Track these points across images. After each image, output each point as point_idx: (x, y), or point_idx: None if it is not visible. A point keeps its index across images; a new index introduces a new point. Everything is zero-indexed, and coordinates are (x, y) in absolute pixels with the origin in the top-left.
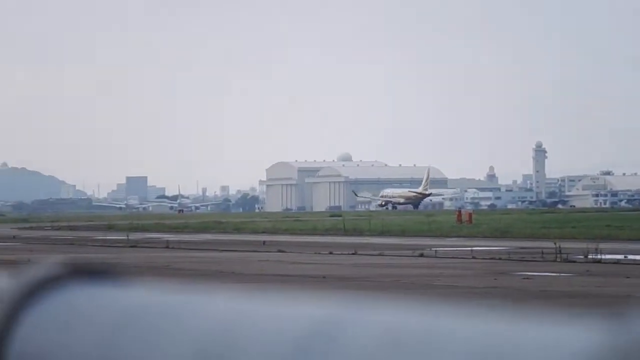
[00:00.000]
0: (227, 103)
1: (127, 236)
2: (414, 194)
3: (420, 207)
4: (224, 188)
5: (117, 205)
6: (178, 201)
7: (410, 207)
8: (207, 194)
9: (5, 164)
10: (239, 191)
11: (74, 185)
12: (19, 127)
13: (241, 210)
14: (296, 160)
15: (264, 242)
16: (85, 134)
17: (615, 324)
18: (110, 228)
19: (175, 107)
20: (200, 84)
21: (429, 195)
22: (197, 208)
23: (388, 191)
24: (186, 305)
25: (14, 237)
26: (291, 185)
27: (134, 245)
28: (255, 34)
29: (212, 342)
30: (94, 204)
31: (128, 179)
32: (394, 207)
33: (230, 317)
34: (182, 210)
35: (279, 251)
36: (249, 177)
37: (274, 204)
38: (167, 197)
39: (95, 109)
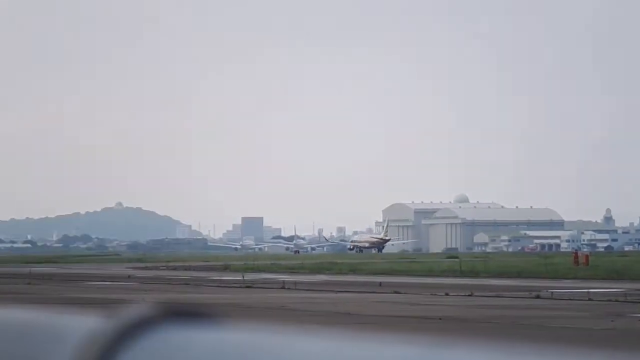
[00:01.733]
0: (344, 145)
1: (243, 277)
2: (376, 239)
3: (537, 249)
4: (340, 229)
5: (233, 246)
6: (294, 242)
7: (375, 249)
8: (323, 234)
9: (120, 204)
10: (355, 232)
11: (190, 226)
12: (133, 167)
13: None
14: (412, 202)
15: (380, 284)
16: (200, 175)
17: None
18: (225, 268)
19: (291, 148)
20: (314, 125)
21: (388, 240)
22: (313, 249)
23: (356, 237)
24: (282, 348)
25: (129, 276)
26: (407, 226)
27: (249, 285)
28: (372, 78)
29: None
30: (209, 244)
31: (244, 219)
32: (360, 251)
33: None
34: (298, 251)
35: (395, 292)
36: (366, 218)
37: (390, 246)
38: (283, 238)
39: (207, 150)
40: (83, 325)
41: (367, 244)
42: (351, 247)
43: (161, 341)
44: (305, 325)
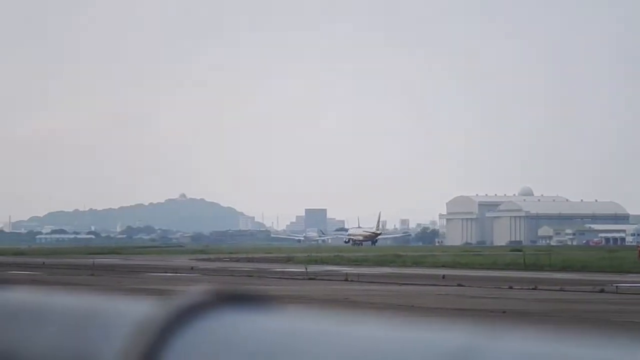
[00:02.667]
0: (408, 137)
1: (306, 269)
2: (369, 233)
3: (602, 242)
4: (404, 221)
5: (296, 238)
6: None
7: (369, 242)
8: (386, 227)
9: (184, 195)
10: (418, 225)
11: (253, 217)
12: (197, 157)
13: (421, 243)
14: (477, 195)
15: (444, 276)
16: (263, 166)
17: None
18: (288, 260)
19: (356, 140)
20: (378, 117)
21: (380, 234)
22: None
23: (352, 231)
24: (330, 332)
25: (192, 268)
26: (471, 219)
27: (312, 277)
28: (435, 71)
29: None
30: (272, 236)
31: (307, 211)
32: (355, 243)
33: (374, 344)
34: (362, 243)
35: (459, 285)
36: (429, 210)
37: (453, 238)
38: (347, 230)
39: (271, 141)
40: (139, 309)
41: (361, 237)
42: (347, 240)
43: (214, 325)
44: (357, 313)
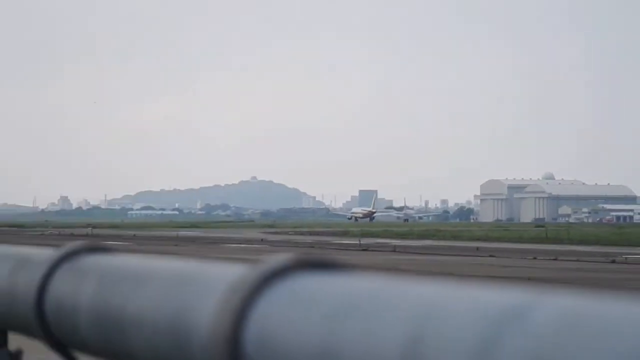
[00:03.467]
0: (447, 127)
1: (359, 241)
2: (367, 211)
3: (613, 220)
4: (444, 201)
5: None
6: (404, 212)
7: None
8: (429, 206)
9: (255, 177)
10: (456, 204)
11: (314, 197)
12: (266, 144)
13: (458, 220)
14: (506, 178)
15: (477, 248)
16: (324, 151)
17: None
18: (344, 234)
19: (403, 130)
20: (422, 107)
21: (375, 212)
22: (420, 218)
23: (354, 209)
24: (396, 292)
25: (261, 240)
26: (501, 200)
27: (365, 249)
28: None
29: (418, 325)
30: (330, 212)
31: (360, 192)
32: (356, 220)
33: (433, 301)
34: (407, 220)
35: (491, 256)
36: (466, 192)
37: (486, 216)
38: (394, 208)
39: (330, 129)
40: (230, 272)
41: (361, 215)
42: (350, 216)
43: (297, 286)
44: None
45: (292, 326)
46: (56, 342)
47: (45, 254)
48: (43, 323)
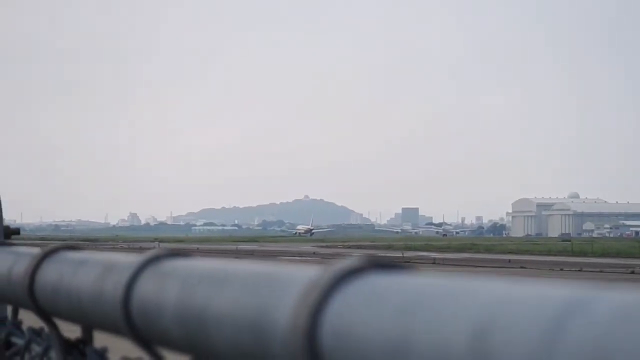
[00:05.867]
0: (482, 146)
1: (402, 254)
2: (307, 228)
3: (632, 235)
4: (479, 218)
5: (394, 230)
6: (442, 227)
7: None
8: (465, 222)
9: (307, 196)
10: (490, 220)
11: (361, 214)
12: (317, 166)
13: (492, 235)
14: (535, 197)
15: (509, 261)
16: (371, 171)
17: None
18: (389, 247)
19: (441, 151)
20: (470, 133)
21: (312, 229)
22: (457, 233)
23: (299, 226)
24: (461, 288)
25: (314, 253)
26: (531, 216)
27: (407, 261)
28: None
29: (484, 318)
30: (376, 228)
31: (403, 209)
32: (300, 235)
33: (498, 295)
34: (446, 234)
35: (521, 267)
36: (499, 209)
37: (517, 231)
38: (434, 224)
39: (376, 152)
40: (305, 273)
41: (303, 231)
42: (295, 232)
43: (369, 284)
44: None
45: (365, 320)
46: (142, 339)
47: (130, 260)
48: (130, 322)
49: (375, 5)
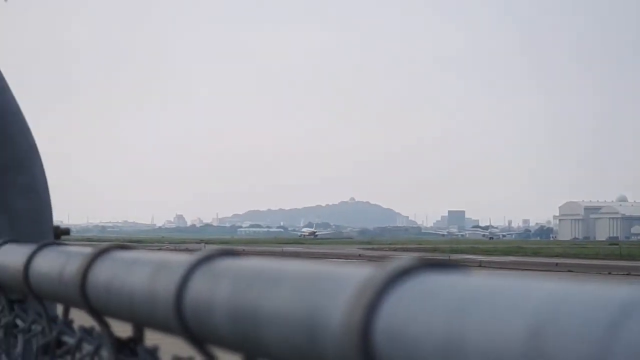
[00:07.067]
0: (529, 151)
1: (449, 257)
2: (310, 231)
3: None
4: (525, 221)
5: (441, 233)
6: (488, 230)
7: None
8: (512, 225)
9: (353, 199)
10: (537, 223)
11: (407, 216)
12: (363, 167)
13: (539, 238)
14: (582, 200)
15: (557, 264)
16: (416, 173)
17: None
18: (434, 250)
19: (488, 154)
20: (519, 135)
21: (316, 232)
22: (504, 236)
23: (304, 229)
24: (514, 288)
25: (359, 255)
26: (578, 220)
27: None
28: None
29: (538, 317)
30: (422, 231)
31: (450, 212)
32: (304, 237)
33: (551, 295)
34: (492, 237)
35: (569, 271)
36: (546, 212)
37: (564, 234)
38: (480, 227)
39: (422, 153)
40: (358, 273)
41: (307, 233)
42: (300, 234)
43: (422, 283)
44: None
45: (419, 319)
46: (194, 338)
47: (182, 259)
48: (182, 320)
49: (421, 5)
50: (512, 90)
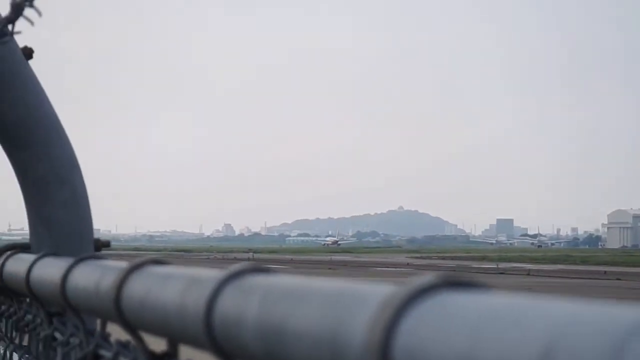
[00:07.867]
0: (577, 160)
1: (497, 265)
2: (334, 239)
3: None
4: (574, 229)
5: (489, 241)
6: (537, 238)
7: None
8: (560, 233)
9: (401, 207)
10: (585, 232)
11: (456, 225)
12: (412, 176)
13: (587, 247)
14: (631, 208)
15: (605, 272)
16: (465, 182)
17: None
18: (483, 259)
19: (538, 163)
20: (568, 144)
21: (338, 241)
22: (552, 244)
23: (327, 238)
24: (531, 308)
25: (407, 264)
26: (627, 228)
27: (502, 272)
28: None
29: (552, 339)
30: (470, 239)
31: (498, 220)
32: (327, 245)
33: (565, 316)
34: (540, 246)
35: (617, 279)
36: (594, 221)
37: (613, 243)
38: (529, 236)
39: (471, 161)
40: (380, 290)
41: (330, 242)
42: (324, 243)
43: (442, 302)
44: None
45: (438, 339)
46: (223, 353)
47: (212, 274)
48: (211, 336)
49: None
50: (560, 99)
